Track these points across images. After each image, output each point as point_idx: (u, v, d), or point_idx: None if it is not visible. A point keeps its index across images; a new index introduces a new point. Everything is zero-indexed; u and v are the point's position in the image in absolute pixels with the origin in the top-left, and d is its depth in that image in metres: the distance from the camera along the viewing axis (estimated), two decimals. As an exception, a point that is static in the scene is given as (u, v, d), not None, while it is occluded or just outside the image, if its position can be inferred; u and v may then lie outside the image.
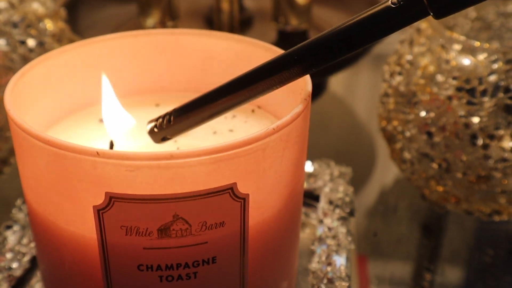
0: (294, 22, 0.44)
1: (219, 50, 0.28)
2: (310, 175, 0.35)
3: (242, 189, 0.20)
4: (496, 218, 0.32)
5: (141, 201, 0.19)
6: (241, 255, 0.22)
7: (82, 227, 0.20)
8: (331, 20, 0.49)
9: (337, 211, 0.31)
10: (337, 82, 0.52)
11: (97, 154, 0.18)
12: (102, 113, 0.25)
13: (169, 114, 0.24)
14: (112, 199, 0.19)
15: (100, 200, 0.19)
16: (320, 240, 0.29)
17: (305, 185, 0.35)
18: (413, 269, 0.34)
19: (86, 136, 0.26)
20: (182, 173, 0.19)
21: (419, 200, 0.36)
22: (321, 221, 0.31)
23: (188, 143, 0.27)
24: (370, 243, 0.35)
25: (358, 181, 0.39)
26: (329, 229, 0.30)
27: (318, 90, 0.49)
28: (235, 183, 0.20)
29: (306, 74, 0.21)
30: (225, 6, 0.45)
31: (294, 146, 0.21)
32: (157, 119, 0.24)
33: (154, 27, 0.43)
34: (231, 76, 0.23)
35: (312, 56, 0.20)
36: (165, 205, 0.19)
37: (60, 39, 0.34)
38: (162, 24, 0.43)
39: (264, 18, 0.49)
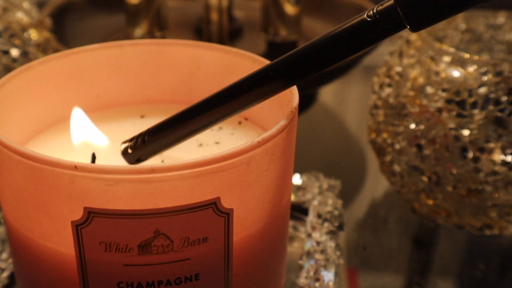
0: (283, 33, 0.44)
1: (206, 61, 0.28)
2: (298, 187, 0.34)
3: (226, 203, 0.19)
4: (487, 232, 0.31)
5: (121, 217, 0.19)
6: (225, 272, 0.21)
7: (60, 243, 0.20)
8: (321, 30, 0.48)
9: (326, 224, 0.30)
10: (327, 93, 0.52)
11: (75, 168, 0.18)
12: (72, 134, 0.25)
13: (142, 134, 0.23)
14: (91, 214, 0.19)
15: (78, 215, 0.19)
16: (308, 254, 0.29)
17: (294, 198, 0.34)
18: (403, 283, 0.33)
19: (68, 149, 0.25)
20: (164, 188, 0.18)
21: (409, 213, 0.35)
22: (309, 235, 0.30)
23: (172, 155, 0.26)
24: (360, 257, 0.35)
25: (347, 194, 0.38)
26: (318, 243, 0.29)
27: (307, 101, 0.48)
28: (218, 198, 0.19)
29: (287, 87, 0.20)
30: (214, 16, 0.45)
31: (280, 159, 0.21)
32: (131, 140, 0.24)
33: (142, 37, 0.42)
34: (218, 87, 0.22)
35: (292, 70, 0.19)
36: (146, 221, 0.19)
37: (45, 49, 0.34)
38: (150, 35, 0.43)
39: (253, 29, 0.48)
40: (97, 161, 0.24)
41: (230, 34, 0.46)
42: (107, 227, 0.19)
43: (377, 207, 0.38)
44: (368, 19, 0.17)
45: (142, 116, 0.29)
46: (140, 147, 0.23)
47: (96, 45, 0.27)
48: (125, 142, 0.24)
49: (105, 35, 0.45)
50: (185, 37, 0.45)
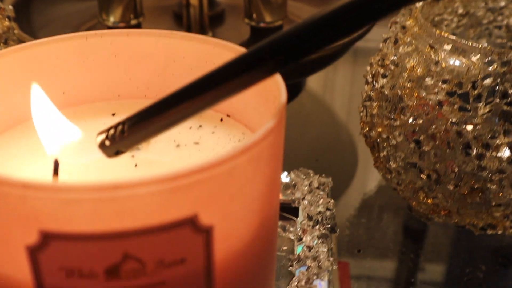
0: (268, 19, 0.41)
1: (183, 52, 0.25)
2: (286, 186, 0.32)
3: (205, 220, 0.17)
4: (490, 231, 0.29)
5: (82, 239, 0.16)
6: (206, 295, 0.18)
7: (15, 270, 0.17)
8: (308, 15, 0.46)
9: (317, 227, 0.28)
10: (314, 81, 0.49)
11: (25, 186, 0.15)
12: (36, 126, 0.22)
13: (121, 123, 0.20)
14: (46, 237, 0.16)
15: (32, 238, 0.16)
16: (299, 260, 0.27)
17: (282, 197, 0.32)
18: (398, 282, 0.31)
19: (26, 156, 0.22)
20: (131, 206, 0.16)
21: (405, 211, 0.33)
22: (300, 239, 0.28)
23: (147, 158, 0.24)
24: (353, 257, 0.32)
25: (339, 190, 0.36)
26: (309, 248, 0.27)
27: (294, 90, 0.46)
28: (196, 214, 0.17)
29: (272, 74, 0.18)
30: (194, 0, 0.42)
31: (267, 166, 0.18)
32: (108, 130, 0.21)
33: (116, 25, 0.39)
34: None
35: (280, 52, 0.17)
36: (112, 243, 0.16)
37: (6, 40, 0.31)
38: (125, 22, 0.40)
39: (236, 14, 0.46)
40: (69, 158, 0.21)
41: (211, 20, 0.43)
42: (67, 251, 0.16)
43: (371, 204, 0.36)
44: None
45: (113, 114, 0.26)
46: (120, 139, 0.20)
47: (58, 37, 0.24)
48: (101, 133, 0.21)
49: (76, 24, 0.42)
50: (162, 24, 0.42)
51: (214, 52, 0.24)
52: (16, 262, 0.17)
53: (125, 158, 0.23)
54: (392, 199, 0.34)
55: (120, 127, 0.20)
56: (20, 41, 0.33)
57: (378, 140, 0.29)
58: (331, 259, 0.26)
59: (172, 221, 0.16)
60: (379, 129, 0.29)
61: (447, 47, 0.26)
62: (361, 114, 0.31)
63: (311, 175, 0.31)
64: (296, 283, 0.25)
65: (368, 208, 0.35)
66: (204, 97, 0.19)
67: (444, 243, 0.33)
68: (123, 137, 0.20)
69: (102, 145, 0.21)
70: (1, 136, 0.24)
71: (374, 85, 0.30)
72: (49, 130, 0.22)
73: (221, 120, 0.25)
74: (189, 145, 0.24)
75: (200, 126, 0.25)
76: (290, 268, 0.26)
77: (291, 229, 0.32)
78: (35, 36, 0.35)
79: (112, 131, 0.20)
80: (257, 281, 0.21)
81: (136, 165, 0.23)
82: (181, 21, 0.43)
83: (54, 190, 0.15)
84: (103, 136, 0.21)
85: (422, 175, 0.27)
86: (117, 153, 0.21)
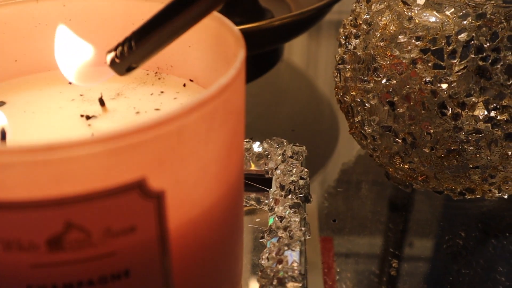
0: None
1: (141, 14, 0.24)
2: (259, 156, 0.31)
3: (155, 184, 0.16)
4: (468, 196, 0.28)
5: (18, 208, 0.15)
6: (162, 265, 0.17)
7: None
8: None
9: (290, 196, 0.27)
10: (292, 49, 0.47)
11: None
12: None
13: (128, 39, 0.20)
14: (-21, 206, 0.15)
15: (-36, 208, 0.15)
16: (271, 231, 0.25)
17: (254, 167, 0.31)
18: (379, 251, 0.30)
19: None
20: (71, 170, 0.14)
21: (383, 178, 0.32)
22: (271, 209, 0.27)
23: (104, 126, 0.22)
24: (332, 228, 0.31)
25: (316, 160, 0.35)
26: (280, 218, 0.26)
27: (271, 58, 0.44)
28: (144, 178, 0.15)
29: None
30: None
31: (223, 126, 0.17)
32: (116, 48, 0.21)
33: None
34: None
35: None
36: (52, 212, 0.15)
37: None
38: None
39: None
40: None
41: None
42: (3, 222, 0.15)
43: (348, 173, 0.35)
44: None
45: (70, 83, 0.24)
46: (129, 54, 0.20)
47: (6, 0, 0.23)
48: (110, 51, 0.21)
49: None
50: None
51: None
52: (-50, 235, 0.15)
53: (82, 127, 0.22)
54: (370, 167, 0.33)
55: (127, 43, 0.20)
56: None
57: (353, 104, 0.28)
58: (303, 229, 0.24)
59: (118, 186, 0.15)
60: (353, 93, 0.28)
61: (420, 1, 0.25)
62: (336, 79, 0.30)
63: (285, 144, 0.30)
64: (267, 254, 0.24)
65: (346, 178, 0.34)
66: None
67: (423, 211, 0.32)
68: (132, 51, 0.20)
69: (113, 63, 0.21)
70: None
71: (347, 47, 0.28)
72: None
73: (184, 85, 0.24)
74: (149, 111, 0.23)
75: (162, 92, 0.24)
76: (261, 240, 0.25)
77: (266, 201, 0.31)
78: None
79: (120, 48, 0.20)
80: (219, 252, 0.19)
81: (92, 135, 0.22)
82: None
83: (-19, 153, 0.14)
84: (112, 54, 0.21)
85: (397, 139, 0.26)
86: (129, 69, 0.21)
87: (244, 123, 0.20)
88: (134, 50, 0.20)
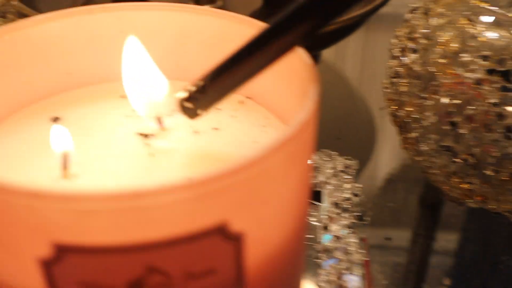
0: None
1: (196, 27, 0.23)
2: (308, 168, 0.30)
3: (235, 227, 0.15)
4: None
5: (100, 252, 0.14)
6: (237, 304, 0.17)
7: (28, 283, 0.15)
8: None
9: (345, 215, 0.26)
10: (331, 54, 0.47)
11: (32, 196, 0.13)
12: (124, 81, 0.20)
13: (201, 80, 0.19)
14: (61, 250, 0.14)
15: (44, 250, 0.14)
16: (326, 251, 0.25)
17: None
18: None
19: (35, 145, 0.20)
20: (154, 215, 0.14)
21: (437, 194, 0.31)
22: (325, 227, 0.26)
23: (163, 146, 0.22)
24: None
25: (362, 172, 0.34)
26: (338, 238, 0.25)
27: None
28: (225, 221, 0.15)
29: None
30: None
31: (302, 163, 0.17)
32: (187, 90, 0.19)
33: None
34: (210, 59, 0.18)
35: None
36: (134, 256, 0.14)
37: (4, 14, 0.28)
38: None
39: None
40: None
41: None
42: (85, 265, 0.14)
43: (396, 186, 0.34)
44: None
45: (122, 96, 0.24)
46: (200, 98, 0.19)
47: (62, 12, 0.22)
48: (180, 95, 0.20)
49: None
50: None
51: (230, 26, 0.22)
52: (28, 275, 0.15)
53: (139, 146, 0.21)
54: (420, 182, 0.33)
55: (200, 84, 0.19)
56: (20, 13, 0.30)
57: (407, 120, 0.27)
58: (362, 251, 0.24)
59: (200, 230, 0.15)
60: (409, 108, 0.27)
61: (487, 19, 0.24)
62: (387, 90, 0.29)
63: (335, 156, 0.30)
64: (326, 277, 0.23)
65: (393, 189, 0.34)
66: (281, 40, 0.17)
67: (458, 222, 0.31)
68: (204, 96, 0.19)
69: (184, 109, 0.20)
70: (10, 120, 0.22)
71: (402, 60, 0.28)
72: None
73: (241, 102, 0.23)
74: (208, 131, 0.22)
75: (219, 109, 0.23)
76: (316, 260, 0.25)
77: (314, 213, 0.30)
78: (35, 9, 0.33)
79: (191, 91, 0.19)
80: (289, 283, 0.19)
81: (150, 154, 0.21)
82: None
83: (65, 200, 0.13)
84: (183, 96, 0.20)
85: (456, 159, 0.25)
86: (197, 114, 0.20)
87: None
88: (206, 95, 0.19)
